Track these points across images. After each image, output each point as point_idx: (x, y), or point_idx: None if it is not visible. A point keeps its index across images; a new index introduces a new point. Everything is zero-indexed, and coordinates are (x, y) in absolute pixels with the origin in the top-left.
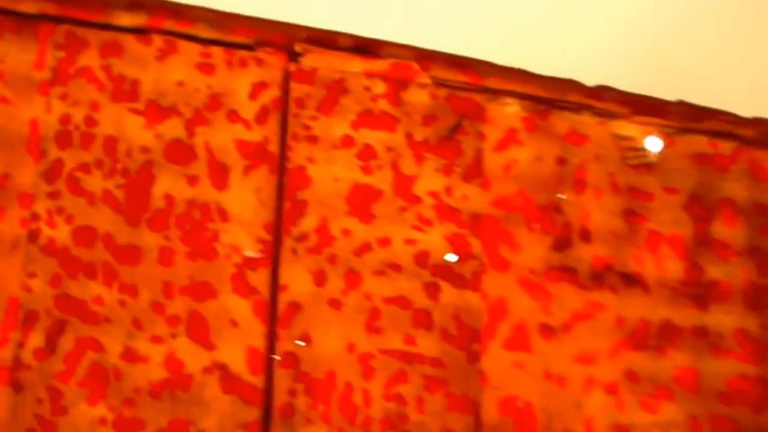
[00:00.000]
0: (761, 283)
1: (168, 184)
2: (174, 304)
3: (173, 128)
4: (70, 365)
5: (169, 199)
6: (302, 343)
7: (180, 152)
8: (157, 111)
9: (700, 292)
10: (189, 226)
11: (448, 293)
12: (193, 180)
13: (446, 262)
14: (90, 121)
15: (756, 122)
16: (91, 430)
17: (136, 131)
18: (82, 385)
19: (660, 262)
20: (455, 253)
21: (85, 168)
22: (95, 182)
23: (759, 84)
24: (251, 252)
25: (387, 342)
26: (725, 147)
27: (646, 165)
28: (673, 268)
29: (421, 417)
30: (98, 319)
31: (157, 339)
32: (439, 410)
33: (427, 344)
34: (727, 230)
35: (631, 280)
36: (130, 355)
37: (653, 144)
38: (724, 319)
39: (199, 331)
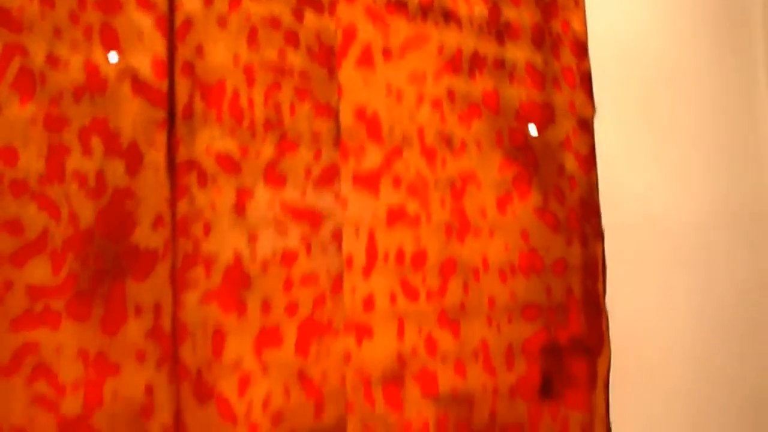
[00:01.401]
0: (543, 26)
1: None
2: (88, 16)
3: None
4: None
5: None
6: None
7: None
8: None
9: (499, 29)
10: None
11: (311, 17)
12: None
13: None
14: None
15: None
16: (25, 128)
17: None
18: (12, 86)
19: (470, 2)
20: None
21: None
22: None
23: None
24: None
25: (264, 55)
26: None
27: None
28: (480, 8)
29: (293, 121)
30: (22, 27)
31: (75, 45)
32: (307, 116)
33: (296, 59)
34: None
35: (449, 17)
36: (52, 60)
37: None
38: (517, 53)
39: (111, 41)
